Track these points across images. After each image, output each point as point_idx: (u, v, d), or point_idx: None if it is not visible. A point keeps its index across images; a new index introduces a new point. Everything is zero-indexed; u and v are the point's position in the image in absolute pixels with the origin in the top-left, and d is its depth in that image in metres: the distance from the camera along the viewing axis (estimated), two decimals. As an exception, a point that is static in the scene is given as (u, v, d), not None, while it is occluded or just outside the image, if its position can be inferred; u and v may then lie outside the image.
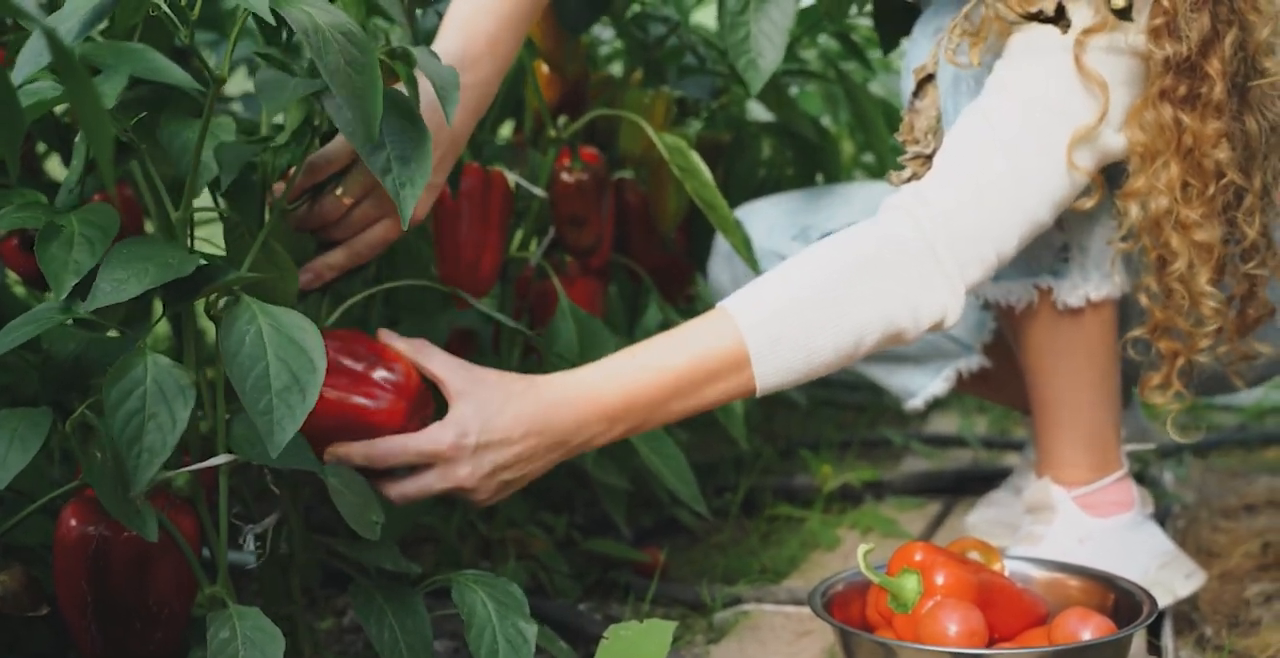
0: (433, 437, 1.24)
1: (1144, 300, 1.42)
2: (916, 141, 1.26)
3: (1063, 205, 1.39)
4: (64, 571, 1.11)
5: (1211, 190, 1.33)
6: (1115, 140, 1.37)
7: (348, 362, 1.27)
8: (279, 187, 1.26)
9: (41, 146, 1.61)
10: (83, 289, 1.07)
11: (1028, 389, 1.60)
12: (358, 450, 1.23)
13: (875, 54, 2.28)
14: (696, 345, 1.29)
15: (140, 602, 1.11)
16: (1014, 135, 1.35)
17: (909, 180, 1.26)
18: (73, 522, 1.10)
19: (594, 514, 1.99)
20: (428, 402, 1.30)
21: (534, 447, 1.26)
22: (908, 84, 1.42)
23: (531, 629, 1.21)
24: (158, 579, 1.12)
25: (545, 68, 1.75)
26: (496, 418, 1.24)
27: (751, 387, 1.31)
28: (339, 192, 1.30)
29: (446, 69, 1.16)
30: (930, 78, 1.26)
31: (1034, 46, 1.36)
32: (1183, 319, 1.39)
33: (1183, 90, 1.31)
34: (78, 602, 1.11)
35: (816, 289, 1.31)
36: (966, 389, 1.88)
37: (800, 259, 1.34)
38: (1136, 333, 1.45)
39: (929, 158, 1.27)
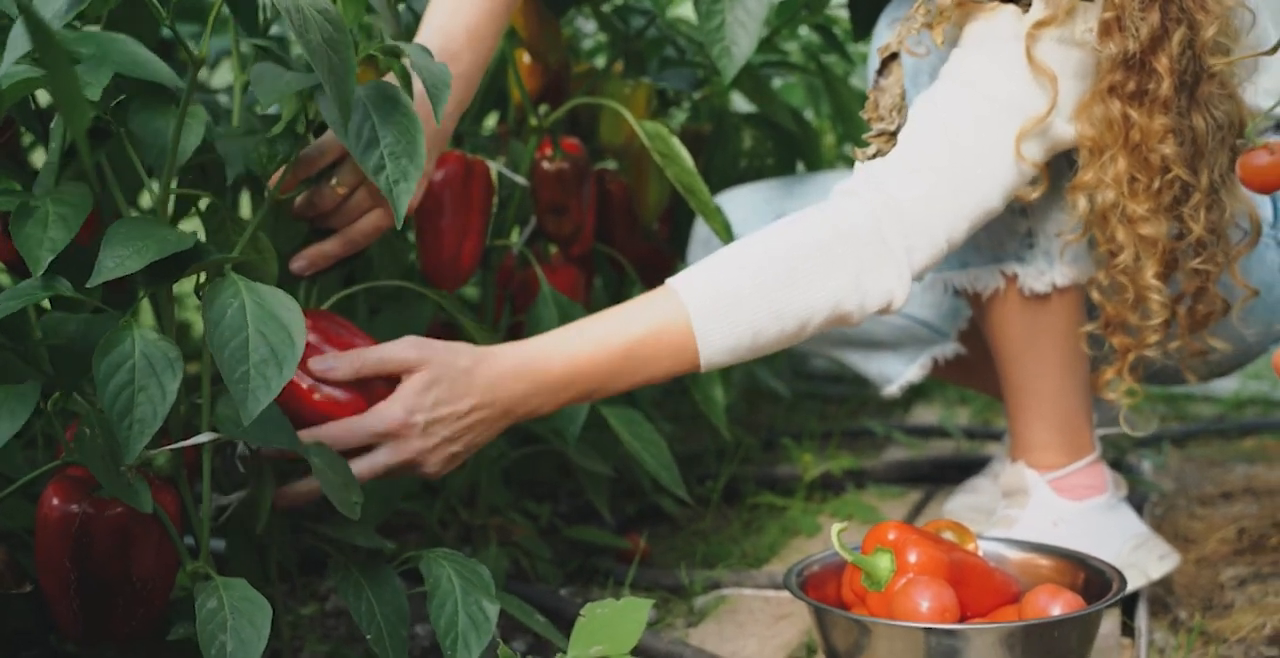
0: (381, 416, 1.25)
1: (1095, 295, 1.44)
2: (881, 119, 1.28)
3: (1013, 193, 1.42)
4: (46, 548, 1.11)
5: (1157, 185, 1.35)
6: (1065, 131, 1.39)
7: (325, 347, 1.29)
8: (276, 177, 1.27)
9: (27, 139, 1.62)
10: (64, 269, 1.08)
11: (999, 375, 1.62)
12: (308, 436, 1.25)
13: (856, 48, 2.30)
14: (643, 321, 1.32)
15: (122, 579, 1.12)
16: (964, 124, 1.37)
17: (874, 157, 1.28)
18: (55, 500, 1.11)
19: (577, 504, 2.01)
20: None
21: (481, 418, 1.29)
22: (874, 63, 1.44)
23: (494, 609, 1.21)
24: (140, 557, 1.13)
25: (527, 57, 1.77)
26: (445, 394, 1.26)
27: (695, 363, 1.35)
28: (334, 182, 1.32)
29: (439, 67, 1.17)
30: (894, 56, 1.28)
31: (987, 36, 1.38)
32: (1132, 314, 1.42)
33: (1131, 86, 1.33)
34: (60, 580, 1.11)
35: (765, 271, 1.33)
36: (943, 376, 1.90)
37: (751, 240, 1.37)
38: (1090, 328, 1.47)
39: (893, 134, 1.29)
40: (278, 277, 1.26)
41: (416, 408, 1.25)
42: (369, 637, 1.19)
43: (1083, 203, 1.38)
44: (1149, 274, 1.38)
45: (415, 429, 1.26)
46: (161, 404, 1.03)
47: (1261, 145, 1.05)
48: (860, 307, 1.35)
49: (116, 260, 1.05)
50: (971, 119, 1.37)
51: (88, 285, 1.05)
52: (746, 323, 1.31)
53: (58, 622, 1.14)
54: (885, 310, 1.37)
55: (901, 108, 1.28)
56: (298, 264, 1.35)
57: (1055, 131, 1.38)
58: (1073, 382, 1.57)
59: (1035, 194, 1.41)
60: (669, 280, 1.34)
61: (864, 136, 1.29)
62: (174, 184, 1.15)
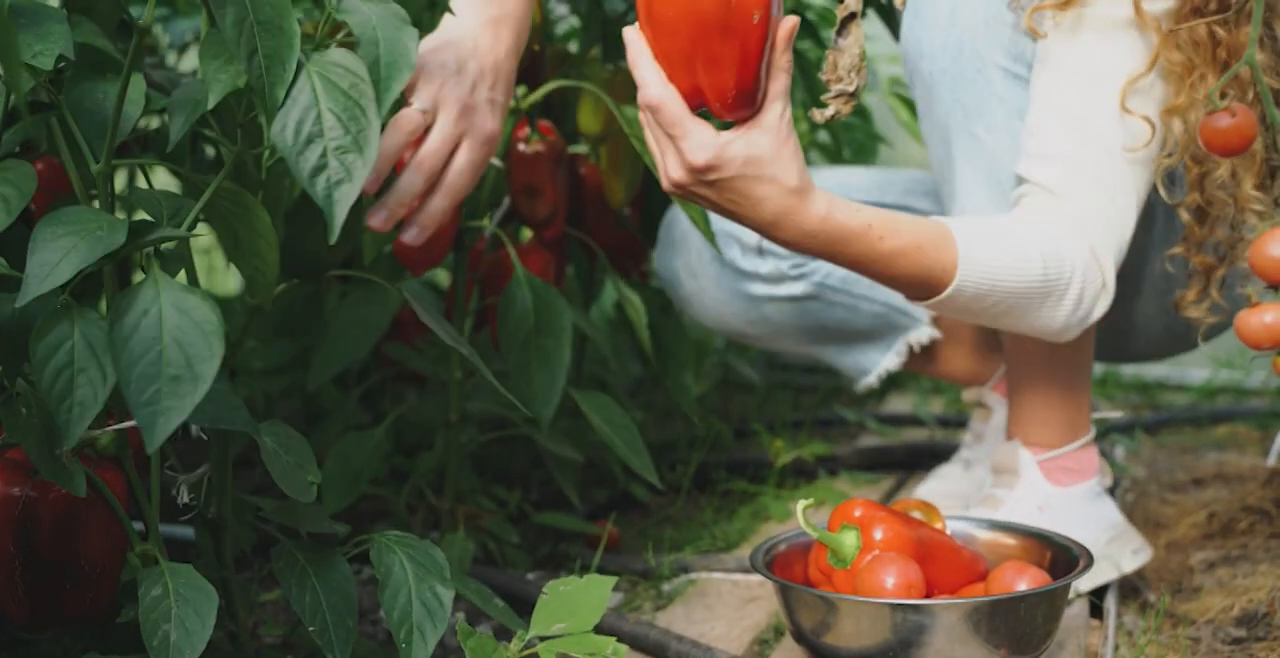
0: (695, 155, 1.20)
1: (1184, 216, 1.45)
2: (840, 80, 1.27)
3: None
4: (-12, 533, 1.08)
5: (1250, 96, 1.35)
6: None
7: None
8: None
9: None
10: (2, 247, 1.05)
11: (1004, 350, 1.60)
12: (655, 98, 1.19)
13: (829, 33, 2.29)
14: (922, 236, 1.31)
15: (70, 563, 1.09)
16: (1120, 127, 1.39)
17: (831, 118, 1.27)
18: None
19: (548, 492, 1.99)
20: None
21: (764, 192, 1.23)
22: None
23: (449, 594, 1.16)
24: (87, 540, 1.10)
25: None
26: (756, 167, 1.21)
27: (931, 294, 1.34)
28: (415, 105, 1.23)
29: (407, 35, 1.07)
30: (853, 16, 1.27)
31: (1100, 26, 1.39)
32: (1222, 230, 1.44)
33: (1213, 4, 1.35)
34: (5, 564, 1.08)
35: (1014, 284, 1.35)
36: (916, 365, 1.89)
37: (1005, 240, 1.36)
38: (1177, 250, 1.48)
39: (852, 95, 1.28)
40: (279, 246, 1.15)
41: (724, 164, 1.20)
42: (312, 629, 1.13)
43: (1177, 125, 1.39)
44: (1248, 186, 1.39)
45: (700, 181, 1.22)
46: (103, 387, 0.97)
47: (1224, 107, 1.04)
48: (1065, 330, 1.40)
49: (44, 270, 0.96)
50: (1122, 120, 1.39)
51: (16, 306, 0.97)
52: (987, 292, 1.33)
53: (4, 608, 1.11)
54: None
55: (860, 68, 1.27)
56: (409, 234, 1.30)
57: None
58: (1078, 354, 1.56)
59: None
60: (943, 220, 1.33)
61: (822, 97, 1.28)
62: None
